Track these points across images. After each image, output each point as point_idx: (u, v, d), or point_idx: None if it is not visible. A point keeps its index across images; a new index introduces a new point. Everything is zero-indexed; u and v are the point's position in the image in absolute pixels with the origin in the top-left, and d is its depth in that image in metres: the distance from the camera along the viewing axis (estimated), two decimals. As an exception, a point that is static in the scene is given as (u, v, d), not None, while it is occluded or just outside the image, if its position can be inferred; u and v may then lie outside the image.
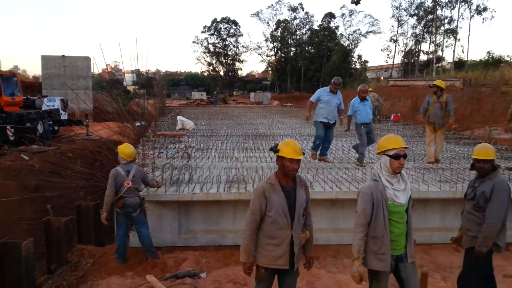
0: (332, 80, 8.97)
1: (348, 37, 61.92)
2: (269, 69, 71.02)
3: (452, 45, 50.38)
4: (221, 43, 66.32)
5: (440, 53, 54.59)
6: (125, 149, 6.43)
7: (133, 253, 6.67)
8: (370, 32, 61.55)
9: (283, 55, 65.32)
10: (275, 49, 65.23)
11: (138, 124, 17.96)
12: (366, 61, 64.01)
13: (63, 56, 28.78)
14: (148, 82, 38.52)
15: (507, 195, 4.12)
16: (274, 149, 3.52)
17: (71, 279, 6.08)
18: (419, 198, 7.09)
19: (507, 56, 44.27)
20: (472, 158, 4.38)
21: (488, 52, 54.30)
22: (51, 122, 18.23)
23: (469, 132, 15.42)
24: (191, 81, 77.13)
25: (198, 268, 6.02)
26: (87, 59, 29.29)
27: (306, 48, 64.09)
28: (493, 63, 39.31)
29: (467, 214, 4.40)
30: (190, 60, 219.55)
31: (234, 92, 69.05)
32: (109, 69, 49.58)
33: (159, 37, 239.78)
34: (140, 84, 36.00)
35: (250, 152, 10.84)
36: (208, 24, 65.59)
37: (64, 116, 20.93)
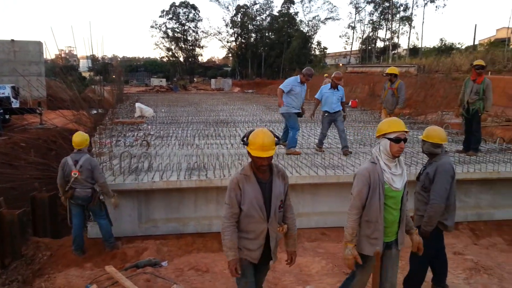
0: (304, 71, 8.56)
1: (308, 23, 62.42)
2: (230, 55, 70.50)
3: (407, 32, 52.09)
4: (180, 28, 65.04)
5: (396, 40, 56.24)
6: (75, 137, 6.20)
7: (92, 244, 6.55)
8: (329, 18, 62.36)
9: (244, 41, 64.96)
10: (236, 35, 64.76)
11: (95, 111, 17.43)
12: (325, 48, 64.88)
13: (12, 40, 27.29)
14: (104, 68, 37.35)
15: (449, 176, 4.26)
16: (245, 142, 3.26)
17: (26, 273, 5.89)
18: (375, 182, 7.33)
19: (458, 43, 46.20)
20: (420, 139, 4.57)
21: (441, 40, 56.39)
22: (1, 111, 17.33)
23: (422, 117, 16.01)
24: (150, 67, 75.33)
25: (160, 257, 5.99)
26: (39, 43, 27.95)
27: (267, 34, 64.02)
28: (445, 50, 40.86)
29: (417, 194, 4.56)
30: (149, 46, 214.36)
31: (194, 79, 68.14)
32: (62, 55, 47.60)
33: (114, 21, 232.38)
34: (96, 70, 34.80)
35: (211, 139, 10.79)
36: (167, 8, 64.21)
37: (15, 104, 19.92)
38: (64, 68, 19.51)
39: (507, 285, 5.13)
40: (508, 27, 46.88)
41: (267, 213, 3.33)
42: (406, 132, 3.51)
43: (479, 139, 8.86)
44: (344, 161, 8.09)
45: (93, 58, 30.47)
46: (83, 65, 62.39)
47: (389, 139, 3.47)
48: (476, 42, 45.25)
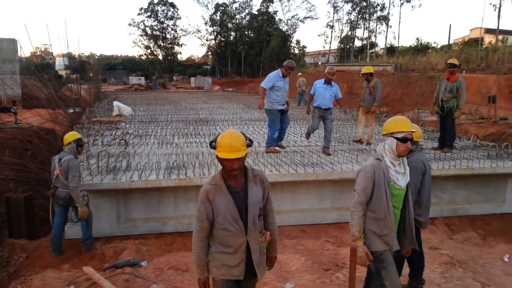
0: (285, 63, 8.20)
1: (287, 22, 62.67)
2: (209, 53, 70.22)
3: (384, 31, 52.81)
4: (158, 26, 64.42)
5: (373, 39, 56.95)
6: (66, 134, 6.36)
7: (69, 245, 6.45)
8: (308, 17, 62.93)
9: (223, 39, 64.76)
10: (215, 33, 64.50)
11: (72, 110, 17.11)
12: (304, 47, 65.21)
13: (-15, 38, 26.50)
14: (81, 66, 36.70)
15: (419, 172, 4.29)
16: (213, 145, 2.94)
17: (1, 276, 5.75)
18: (354, 178, 7.42)
19: (434, 42, 47.13)
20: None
21: (417, 39, 57.72)
22: (-26, 110, 16.84)
23: (399, 115, 16.28)
24: (129, 65, 74.33)
25: (139, 256, 5.94)
26: (13, 41, 27.17)
27: (246, 33, 63.99)
28: (421, 49, 41.62)
29: None
30: (127, 43, 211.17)
31: (174, 77, 67.59)
32: (38, 52, 46.53)
33: (91, 18, 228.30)
34: (73, 68, 34.16)
35: (191, 137, 10.74)
36: (145, 6, 63.50)
37: (-11, 103, 19.39)
38: (39, 66, 19.04)
39: (481, 278, 5.29)
40: (481, 27, 48.07)
41: (244, 225, 2.99)
42: (413, 132, 3.52)
43: (454, 136, 9.08)
44: (323, 158, 8.17)
45: (69, 56, 29.91)
46: (60, 63, 61.04)
47: (396, 138, 3.47)
48: (451, 42, 46.27)
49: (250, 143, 2.95)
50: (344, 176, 7.31)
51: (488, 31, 48.04)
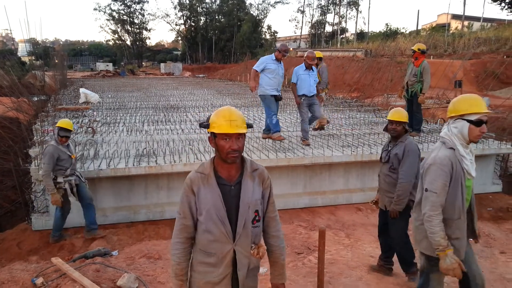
0: (279, 46, 7.87)
1: (258, 6, 62.48)
2: (179, 38, 69.06)
3: (354, 17, 53.21)
4: (126, 10, 62.77)
5: (344, 24, 57.37)
6: None
7: (37, 237, 6.32)
8: (278, 2, 62.72)
9: (193, 24, 63.77)
10: (184, 18, 63.41)
11: (36, 98, 16.54)
12: (275, 32, 65.10)
13: None
14: (46, 52, 35.45)
15: (416, 155, 4.41)
16: (204, 124, 2.38)
17: (-35, 270, 5.55)
18: (325, 163, 7.52)
19: (403, 28, 47.93)
20: (386, 119, 4.58)
21: (386, 24, 58.51)
22: None
23: (369, 100, 16.53)
24: (95, 51, 72.28)
25: (110, 246, 5.85)
26: (-29, 26, 25.93)
27: (217, 17, 63.20)
28: (391, 34, 42.25)
29: (384, 176, 4.57)
30: (93, 28, 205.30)
31: (143, 63, 66.26)
32: (-2, 38, 44.65)
33: (53, 2, 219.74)
34: (37, 55, 32.94)
35: (161, 124, 10.58)
36: (111, -11, 61.61)
37: None
38: (0, 53, 18.26)
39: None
40: (448, 13, 49.16)
41: (233, 229, 2.38)
42: (487, 113, 2.95)
43: (420, 119, 9.28)
44: (295, 144, 8.20)
45: (33, 42, 28.82)
46: (23, 49, 58.77)
47: (468, 121, 2.91)
48: (419, 27, 47.16)
49: (250, 125, 2.44)
50: (315, 161, 7.38)
51: (455, 17, 49.22)
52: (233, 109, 2.36)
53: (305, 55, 7.97)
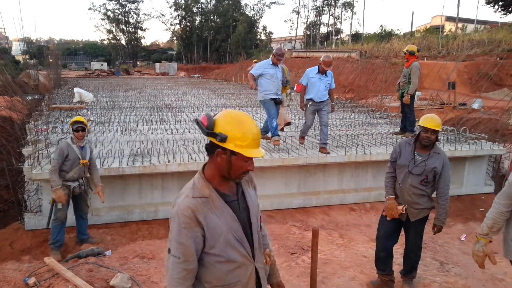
0: (274, 51, 7.72)
1: (253, 7, 62.57)
2: (174, 38, 68.94)
3: (349, 18, 53.39)
4: (120, 9, 62.57)
5: (339, 25, 57.60)
6: None
7: (30, 236, 6.27)
8: (274, 3, 62.82)
9: (188, 24, 63.67)
10: (180, 17, 63.29)
11: (30, 97, 16.46)
12: (270, 32, 65.17)
13: None
14: (40, 51, 35.29)
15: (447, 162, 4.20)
16: (215, 134, 1.89)
17: (-44, 270, 5.51)
18: (319, 164, 7.54)
19: (397, 29, 48.15)
20: (420, 126, 4.14)
21: (381, 26, 58.79)
22: None
23: (364, 101, 16.59)
24: (90, 50, 72.01)
25: (103, 246, 5.82)
26: (-37, 24, 25.76)
27: (212, 18, 63.16)
28: (385, 36, 42.44)
29: (413, 188, 4.18)
30: (88, 28, 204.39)
31: (138, 63, 66.09)
32: (-9, 36, 44.38)
33: (48, 1, 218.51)
34: (31, 54, 32.79)
35: (155, 124, 10.55)
36: (106, -11, 61.42)
37: None
38: (-7, 51, 18.18)
39: (439, 257, 5.51)
40: (442, 15, 49.46)
41: (251, 245, 2.08)
42: None
43: (413, 120, 9.32)
44: (289, 144, 8.21)
45: (27, 41, 28.69)
46: (17, 48, 58.43)
47: None
48: (413, 29, 47.40)
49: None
50: (309, 161, 7.39)
51: (449, 19, 49.55)
52: (252, 120, 1.99)
53: (321, 59, 7.48)
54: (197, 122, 1.95)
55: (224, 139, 1.87)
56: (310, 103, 7.59)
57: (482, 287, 4.70)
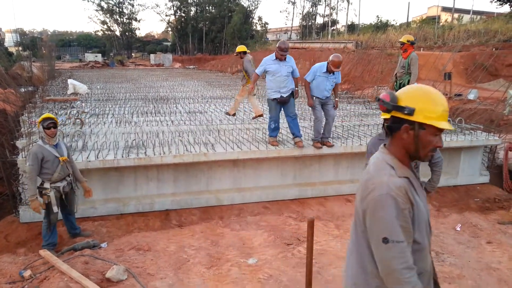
0: (278, 45, 7.22)
1: (248, -3, 61.83)
2: (169, 29, 68.45)
3: (345, 8, 53.14)
4: (115, 0, 61.97)
5: (335, 16, 57.31)
6: None
7: (25, 229, 6.25)
8: (270, -7, 61.88)
9: (183, 14, 63.17)
10: (174, 8, 62.80)
11: (24, 89, 16.32)
12: (266, 23, 64.88)
13: None
14: (33, 42, 34.97)
15: None
16: (407, 109, 1.80)
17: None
18: (315, 155, 7.53)
19: (393, 20, 47.99)
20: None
21: (377, 16, 58.62)
22: None
23: (360, 92, 16.57)
24: (84, 41, 71.44)
25: (98, 238, 5.81)
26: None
27: (207, 8, 62.68)
28: (381, 26, 42.30)
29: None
30: (82, 19, 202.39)
31: (132, 54, 65.60)
32: (-16, 27, 43.88)
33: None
34: (24, 45, 32.47)
35: (150, 116, 10.50)
36: (99, -21, 60.71)
37: None
38: (-14, 42, 17.97)
39: (435, 247, 5.52)
40: (438, 6, 49.30)
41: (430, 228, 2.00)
42: None
43: (410, 111, 9.30)
44: (285, 135, 8.19)
45: (20, 32, 28.42)
46: (9, 39, 57.85)
47: None
48: (410, 19, 47.26)
49: None
50: (305, 152, 7.38)
51: (445, 9, 49.43)
52: (439, 92, 1.88)
53: (330, 58, 7.01)
54: (378, 99, 1.88)
55: (411, 111, 1.79)
56: (315, 98, 7.28)
57: (477, 276, 4.73)
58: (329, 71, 7.05)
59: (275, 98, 7.28)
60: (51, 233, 5.50)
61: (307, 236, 3.53)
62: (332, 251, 5.30)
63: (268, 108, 7.70)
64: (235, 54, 10.13)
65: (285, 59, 7.19)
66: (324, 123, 7.48)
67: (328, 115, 7.41)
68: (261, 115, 9.38)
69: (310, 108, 7.75)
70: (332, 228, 6.18)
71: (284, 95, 7.26)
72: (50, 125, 5.25)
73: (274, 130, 7.57)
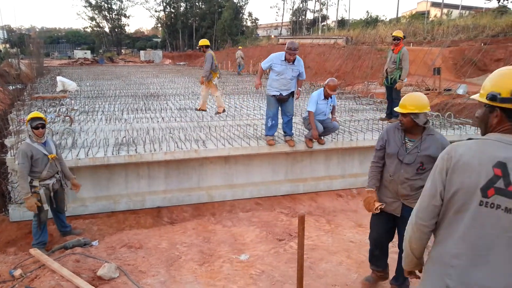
0: (286, 45, 6.84)
1: (238, -7, 61.61)
2: (159, 25, 67.99)
3: (335, 4, 53.23)
4: (103, -4, 61.41)
5: (325, 11, 57.40)
6: None
7: (15, 228, 6.19)
8: (259, -12, 61.71)
9: (173, 10, 62.81)
10: (164, 4, 62.36)
11: (12, 87, 16.13)
12: (256, 19, 64.70)
13: None
14: (21, 39, 34.55)
15: None
16: (498, 96, 1.89)
17: None
18: (306, 150, 7.55)
19: (383, 15, 48.17)
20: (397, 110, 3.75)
21: (367, 12, 58.81)
22: None
23: (350, 87, 16.62)
24: (73, 38, 70.72)
25: (89, 236, 5.78)
26: None
27: (197, 4, 62.36)
28: (371, 22, 42.47)
29: (407, 180, 3.66)
30: (70, 15, 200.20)
31: (122, 51, 65.08)
32: (-30, 24, 43.18)
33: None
34: (12, 42, 32.08)
35: (141, 113, 10.44)
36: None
37: None
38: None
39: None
40: (427, 1, 49.60)
41: None
42: None
43: (400, 106, 9.37)
44: (276, 131, 8.19)
45: (7, 29, 28.05)
46: (-4, 36, 57.11)
47: None
48: (399, 15, 47.46)
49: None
50: (296, 148, 7.40)
51: (434, 4, 49.74)
52: None
53: (325, 83, 7.03)
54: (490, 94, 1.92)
55: (496, 95, 1.89)
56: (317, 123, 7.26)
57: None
58: (326, 96, 7.03)
59: (274, 95, 7.14)
60: (42, 232, 5.46)
61: (298, 231, 3.55)
62: (324, 246, 5.33)
63: (266, 103, 7.49)
64: (197, 48, 10.14)
65: (293, 61, 6.90)
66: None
67: (330, 129, 7.47)
68: (223, 111, 9.82)
69: (301, 105, 7.74)
70: (323, 223, 6.21)
71: (284, 94, 7.09)
72: (39, 125, 5.23)
73: (271, 128, 7.38)
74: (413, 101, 3.55)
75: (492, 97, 1.90)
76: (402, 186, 3.69)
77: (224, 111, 9.92)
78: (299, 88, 7.31)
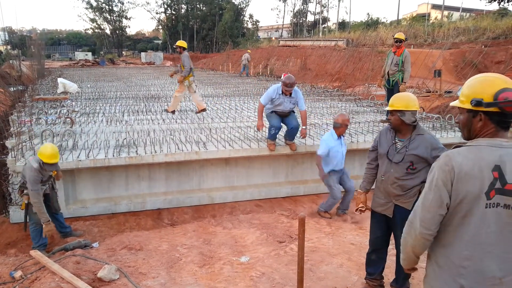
0: (282, 79, 6.89)
1: (239, -5, 61.74)
2: (160, 27, 68.12)
3: (336, 6, 53.30)
4: (104, -2, 61.54)
5: (326, 14, 57.51)
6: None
7: (15, 230, 6.19)
8: (260, -9, 61.81)
9: (174, 12, 62.92)
10: (165, 6, 62.49)
11: (13, 88, 16.15)
12: (257, 21, 64.76)
13: None
14: (22, 41, 34.62)
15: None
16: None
17: None
18: (306, 152, 7.55)
19: (384, 18, 48.27)
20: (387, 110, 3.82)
21: (368, 14, 58.91)
22: None
23: (351, 89, 16.63)
24: (74, 40, 70.86)
25: (90, 238, 5.78)
26: None
27: (198, 6, 62.46)
28: (372, 24, 42.48)
29: (397, 180, 3.66)
30: (72, 17, 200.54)
31: (123, 52, 65.19)
32: (-29, 26, 43.29)
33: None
34: (13, 44, 32.15)
35: (141, 114, 10.45)
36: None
37: None
38: (-26, 41, 17.79)
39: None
40: (428, 3, 49.64)
41: None
42: None
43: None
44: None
45: (8, 31, 28.11)
46: (-3, 37, 57.25)
47: None
48: (400, 17, 47.53)
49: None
50: (297, 150, 7.40)
51: (435, 6, 49.78)
52: None
53: (336, 117, 6.36)
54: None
55: None
56: (332, 173, 6.44)
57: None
58: (338, 134, 6.34)
59: (274, 111, 7.12)
60: (41, 235, 5.48)
61: (298, 233, 3.55)
62: (324, 248, 5.32)
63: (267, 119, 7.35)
64: (174, 47, 10.19)
65: (290, 94, 6.91)
66: (338, 198, 6.51)
67: (349, 189, 6.57)
68: (204, 110, 9.81)
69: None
70: (324, 225, 6.20)
71: (286, 110, 7.07)
72: (53, 168, 5.41)
73: (273, 135, 7.29)
74: (400, 99, 3.63)
75: (477, 103, 2.00)
76: (393, 186, 3.71)
77: (204, 110, 9.88)
78: (303, 127, 7.23)
